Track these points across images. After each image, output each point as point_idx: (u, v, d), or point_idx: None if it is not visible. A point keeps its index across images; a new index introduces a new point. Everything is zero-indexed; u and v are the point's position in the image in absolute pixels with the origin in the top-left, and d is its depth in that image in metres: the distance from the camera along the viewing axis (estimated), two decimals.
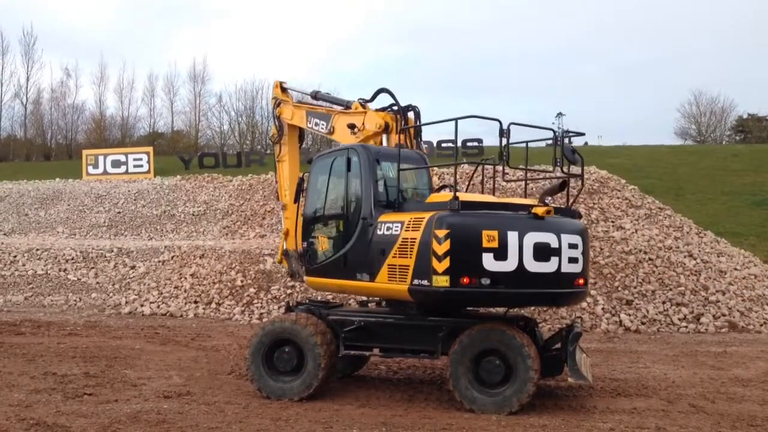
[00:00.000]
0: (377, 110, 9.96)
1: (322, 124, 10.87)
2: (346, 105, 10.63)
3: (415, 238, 7.84)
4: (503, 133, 7.94)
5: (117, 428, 7.18)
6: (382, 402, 8.52)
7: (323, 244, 9.20)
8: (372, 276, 8.32)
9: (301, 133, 11.99)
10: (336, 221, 9.12)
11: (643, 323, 14.40)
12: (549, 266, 7.86)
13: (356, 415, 7.79)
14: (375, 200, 8.56)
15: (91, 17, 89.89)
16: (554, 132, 8.64)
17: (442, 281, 7.57)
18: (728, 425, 7.61)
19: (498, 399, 7.85)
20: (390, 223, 8.21)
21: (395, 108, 9.80)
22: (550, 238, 7.87)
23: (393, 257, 8.05)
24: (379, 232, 8.30)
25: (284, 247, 11.48)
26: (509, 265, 7.65)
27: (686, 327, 14.30)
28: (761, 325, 14.46)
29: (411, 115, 9.90)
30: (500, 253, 7.61)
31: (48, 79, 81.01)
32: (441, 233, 7.57)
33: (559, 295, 8.24)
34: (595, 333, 13.98)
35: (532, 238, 7.75)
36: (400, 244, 7.99)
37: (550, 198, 8.59)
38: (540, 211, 7.98)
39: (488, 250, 7.58)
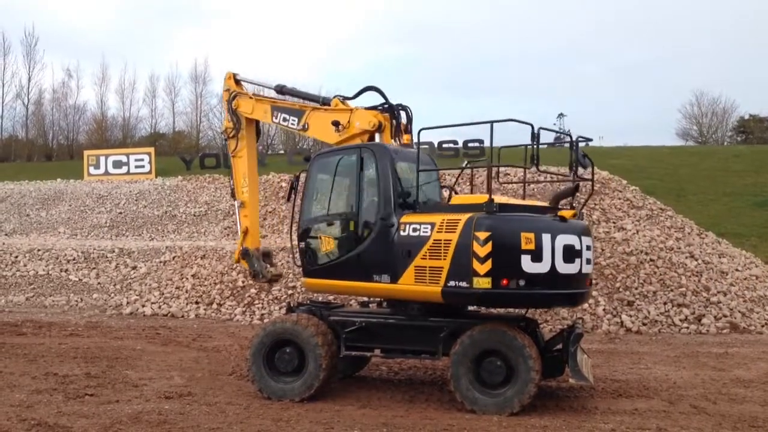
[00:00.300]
0: (366, 109, 9.74)
1: (293, 120, 10.50)
2: (322, 101, 10.35)
3: (450, 240, 7.82)
4: (535, 137, 8.10)
5: (118, 429, 7.18)
6: (383, 403, 8.52)
7: (327, 244, 9.05)
8: (394, 277, 8.25)
9: (257, 128, 11.62)
10: (344, 221, 8.98)
11: (644, 324, 14.39)
12: (573, 267, 8.06)
13: (357, 416, 7.78)
14: (395, 201, 8.49)
15: (91, 18, 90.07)
16: (570, 137, 8.66)
17: (483, 283, 7.63)
18: (730, 426, 7.60)
19: (499, 400, 7.85)
20: (416, 225, 8.14)
21: (385, 107, 9.60)
22: (574, 240, 8.06)
23: (422, 259, 8.01)
24: (403, 233, 8.22)
25: (243, 247, 11.18)
26: (544, 266, 7.78)
27: (687, 328, 14.28)
28: (762, 326, 14.44)
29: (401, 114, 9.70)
30: (536, 255, 7.73)
31: (49, 79, 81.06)
32: (482, 235, 7.63)
33: (578, 295, 8.44)
34: (596, 334, 13.97)
35: (561, 240, 7.92)
36: (432, 246, 7.96)
37: (575, 201, 8.68)
38: (568, 214, 8.19)
39: (526, 252, 7.68)
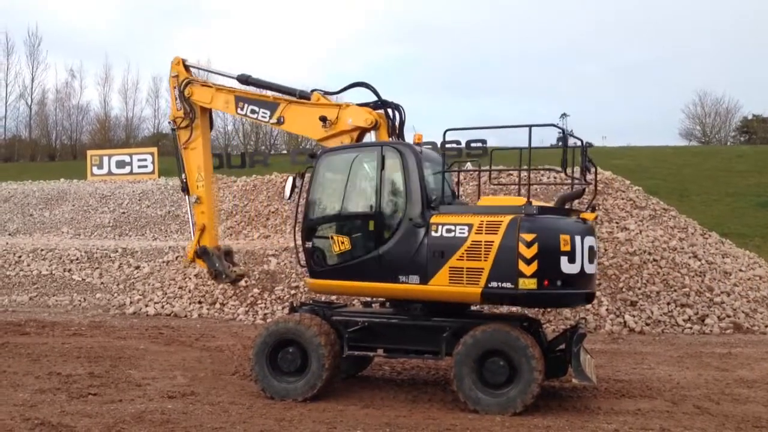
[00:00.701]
0: (359, 105, 9.40)
1: (264, 113, 9.95)
2: (299, 94, 9.80)
3: (492, 241, 7.86)
4: (565, 142, 8.38)
5: (121, 428, 7.19)
6: (386, 403, 8.51)
7: (340, 244, 8.81)
8: (424, 278, 8.20)
9: (210, 117, 10.95)
10: (362, 221, 8.80)
11: (647, 324, 14.37)
12: (593, 267, 8.44)
13: (360, 416, 7.78)
14: (424, 201, 8.41)
15: (93, 18, 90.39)
16: (582, 141, 8.77)
17: (529, 284, 7.74)
18: (733, 427, 7.59)
19: (502, 400, 7.85)
20: (451, 225, 8.10)
21: (378, 104, 9.34)
22: (594, 242, 8.42)
23: (458, 260, 8.01)
24: (435, 234, 8.16)
25: (200, 246, 10.65)
26: (576, 267, 8.04)
27: (691, 328, 14.26)
28: (766, 327, 14.40)
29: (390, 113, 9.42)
30: (571, 257, 7.96)
31: (53, 79, 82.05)
32: (528, 237, 7.73)
33: (592, 294, 8.73)
34: (599, 334, 13.96)
35: (587, 241, 8.23)
36: (470, 247, 7.96)
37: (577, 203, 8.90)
38: (591, 216, 8.49)
39: (564, 253, 7.89)
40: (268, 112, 9.98)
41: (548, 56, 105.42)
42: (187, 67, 10.82)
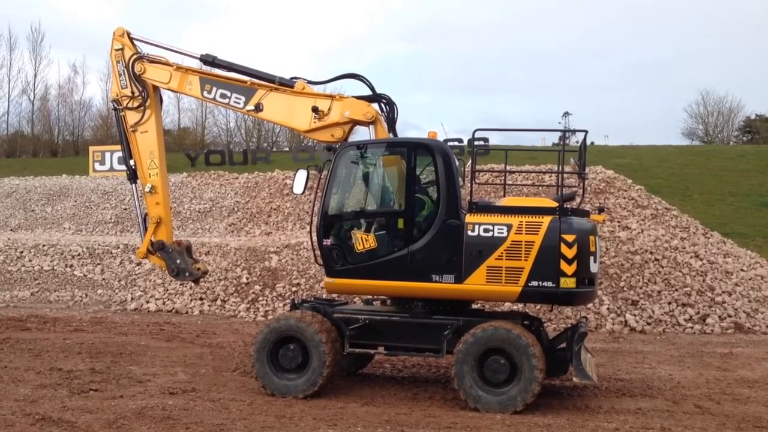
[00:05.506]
0: (356, 98, 9.01)
1: (237, 98, 9.26)
2: (278, 81, 9.19)
3: (532, 242, 8.02)
4: (584, 143, 8.80)
5: (122, 424, 7.21)
6: (386, 400, 8.52)
7: (365, 243, 8.59)
8: (459, 278, 8.23)
9: (159, 93, 10.03)
10: (391, 219, 8.73)
11: (648, 324, 14.36)
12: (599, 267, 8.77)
13: (361, 413, 7.79)
14: (460, 201, 8.40)
15: (96, 13, 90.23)
16: (585, 139, 8.97)
17: (570, 283, 8.00)
18: (733, 426, 7.59)
19: (503, 398, 7.87)
20: (488, 225, 8.16)
21: (371, 97, 9.06)
22: (600, 243, 8.64)
23: (497, 259, 8.10)
24: (472, 234, 8.19)
25: (157, 240, 9.98)
26: (596, 267, 8.43)
27: (692, 328, 14.25)
28: (767, 327, 14.39)
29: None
30: (595, 257, 8.30)
31: (55, 75, 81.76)
32: (569, 238, 7.98)
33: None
34: (600, 333, 13.95)
35: (598, 242, 8.60)
36: (510, 247, 8.07)
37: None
38: (600, 218, 8.75)
39: (592, 253, 8.20)
40: (243, 98, 9.31)
41: (552, 55, 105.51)
42: (132, 40, 9.85)
